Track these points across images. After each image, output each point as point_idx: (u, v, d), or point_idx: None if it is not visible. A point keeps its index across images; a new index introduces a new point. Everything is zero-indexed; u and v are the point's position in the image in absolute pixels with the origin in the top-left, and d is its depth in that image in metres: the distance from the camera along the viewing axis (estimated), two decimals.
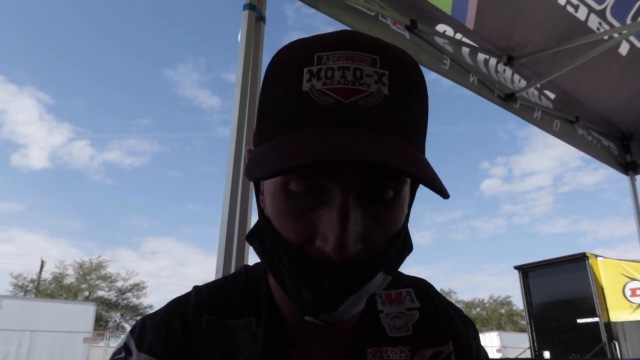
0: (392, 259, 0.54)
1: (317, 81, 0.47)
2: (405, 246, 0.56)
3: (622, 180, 3.98)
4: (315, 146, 0.44)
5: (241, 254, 1.51)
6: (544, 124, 3.26)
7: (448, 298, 0.75)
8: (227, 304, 0.63)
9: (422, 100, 0.53)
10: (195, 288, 0.67)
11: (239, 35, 1.72)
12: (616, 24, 2.78)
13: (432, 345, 0.66)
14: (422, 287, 0.72)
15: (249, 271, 0.68)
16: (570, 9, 2.65)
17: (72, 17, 48.98)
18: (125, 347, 0.60)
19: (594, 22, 2.74)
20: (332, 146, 0.43)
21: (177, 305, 0.63)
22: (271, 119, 0.51)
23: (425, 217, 60.19)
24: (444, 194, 0.47)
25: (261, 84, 0.55)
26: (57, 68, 48.28)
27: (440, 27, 2.65)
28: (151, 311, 0.66)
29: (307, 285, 0.50)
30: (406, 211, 0.54)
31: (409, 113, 0.50)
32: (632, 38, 2.93)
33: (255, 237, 0.56)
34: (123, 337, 0.62)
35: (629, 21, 2.77)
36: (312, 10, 1.99)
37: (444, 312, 0.70)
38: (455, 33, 2.70)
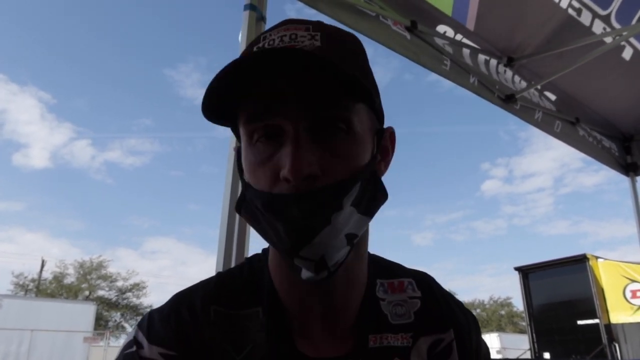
0: (365, 198, 0.58)
1: (262, 47, 0.57)
2: (378, 190, 0.60)
3: (623, 181, 3.98)
4: (245, 59, 0.52)
5: (241, 254, 1.51)
6: (545, 125, 3.25)
7: None
8: (233, 295, 0.64)
9: (355, 49, 0.62)
10: (203, 281, 0.68)
11: (240, 36, 1.72)
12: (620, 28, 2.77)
13: (434, 332, 0.67)
14: (423, 279, 0.74)
15: (252, 262, 0.70)
16: (571, 12, 2.65)
17: (74, 17, 49.06)
18: (135, 341, 0.60)
19: (598, 27, 2.73)
20: (261, 53, 0.52)
21: (184, 297, 0.64)
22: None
23: (425, 217, 60.24)
24: (368, 91, 0.54)
25: None
26: (58, 68, 48.38)
27: (441, 28, 2.65)
28: None
29: (280, 219, 0.53)
30: (368, 153, 0.59)
31: (341, 53, 0.57)
32: (635, 42, 2.93)
33: (242, 205, 0.60)
34: (130, 331, 0.63)
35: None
36: (314, 11, 1.99)
37: (445, 303, 0.72)
38: (455, 34, 2.70)
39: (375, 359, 0.62)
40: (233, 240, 1.52)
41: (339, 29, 0.62)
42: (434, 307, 0.70)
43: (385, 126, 0.66)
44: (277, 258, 0.64)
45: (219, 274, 0.69)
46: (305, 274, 0.54)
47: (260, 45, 0.58)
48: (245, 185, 0.59)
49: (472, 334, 0.72)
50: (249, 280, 0.66)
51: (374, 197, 0.60)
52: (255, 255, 0.71)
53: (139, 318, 0.65)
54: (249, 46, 0.60)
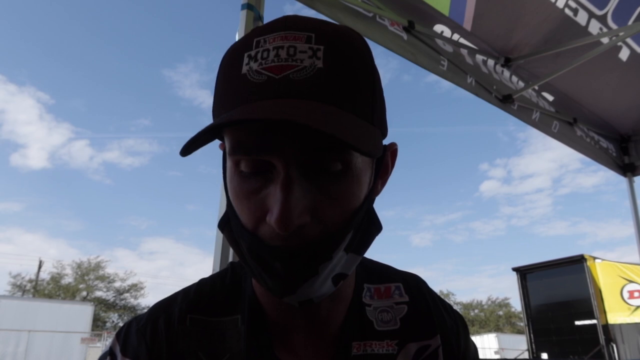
0: (358, 238, 0.54)
1: (254, 63, 0.49)
2: (371, 225, 0.56)
3: (621, 182, 3.98)
4: (238, 113, 0.45)
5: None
6: (543, 126, 3.26)
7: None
8: (213, 302, 0.63)
9: (362, 70, 0.52)
10: (184, 289, 0.67)
11: (237, 36, 1.72)
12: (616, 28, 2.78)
13: (420, 339, 0.65)
14: (412, 282, 0.72)
15: (235, 268, 0.68)
16: (568, 12, 2.65)
17: (72, 18, 49.00)
18: (110, 352, 0.60)
19: (594, 27, 2.74)
20: (253, 110, 0.45)
21: (163, 306, 0.64)
22: (216, 104, 0.53)
23: (424, 218, 60.28)
24: (367, 153, 0.45)
25: None
26: (57, 68, 48.32)
27: (438, 28, 2.65)
28: None
29: (264, 270, 0.50)
30: (365, 188, 0.54)
31: (346, 82, 0.50)
32: (632, 43, 2.93)
33: (225, 225, 0.57)
34: (109, 340, 0.63)
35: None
36: (314, 11, 1.99)
37: (434, 306, 0.70)
38: (452, 34, 2.70)
39: None
40: None
41: (344, 36, 0.53)
42: (422, 312, 0.68)
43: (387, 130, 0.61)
44: None
45: (200, 281, 0.68)
46: (287, 300, 0.53)
47: (252, 54, 0.50)
48: (230, 208, 0.54)
49: (460, 337, 0.71)
50: (230, 287, 0.65)
51: (368, 232, 0.56)
52: (239, 262, 0.68)
53: (126, 321, 0.64)
54: (240, 51, 0.52)
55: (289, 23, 0.51)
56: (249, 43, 0.51)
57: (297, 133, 0.47)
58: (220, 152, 0.60)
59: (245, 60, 0.50)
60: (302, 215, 0.48)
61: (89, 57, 49.74)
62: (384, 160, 0.60)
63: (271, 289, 0.52)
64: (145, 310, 0.65)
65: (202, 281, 0.67)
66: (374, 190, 0.58)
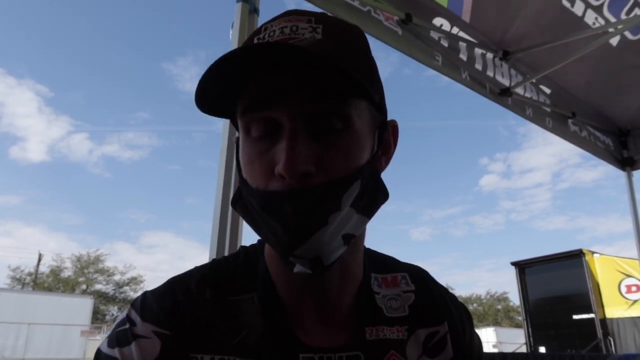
0: (365, 200, 0.56)
1: (262, 39, 0.56)
2: (378, 189, 0.59)
3: (620, 177, 3.96)
4: (239, 51, 0.50)
5: (234, 248, 1.50)
6: (537, 120, 3.26)
7: None
8: (228, 281, 0.64)
9: (360, 45, 0.59)
10: (197, 267, 0.67)
11: (231, 28, 1.71)
12: (612, 19, 2.77)
13: (428, 325, 0.68)
14: (417, 273, 0.74)
15: (248, 251, 0.69)
16: (565, 3, 2.64)
17: (71, 10, 48.83)
18: (128, 319, 0.60)
19: (590, 17, 2.73)
20: (258, 47, 0.50)
21: (180, 281, 0.64)
22: None
23: (423, 212, 60.37)
24: (369, 95, 0.53)
25: None
26: (56, 61, 48.22)
27: (437, 21, 2.63)
28: None
29: (276, 219, 0.52)
30: (367, 150, 0.57)
31: (341, 50, 0.55)
32: (628, 34, 2.92)
33: (238, 201, 0.59)
34: (124, 310, 0.62)
35: (623, 16, 2.76)
36: (309, 5, 1.98)
37: (439, 295, 0.73)
38: (451, 27, 2.69)
39: (372, 351, 0.62)
40: (226, 234, 1.51)
41: (342, 21, 0.60)
42: (428, 300, 0.70)
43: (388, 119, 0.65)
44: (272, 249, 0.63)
45: (214, 260, 0.68)
46: (298, 268, 0.54)
47: (261, 36, 0.57)
48: (242, 181, 0.58)
49: (466, 327, 0.73)
50: (244, 267, 0.66)
51: (374, 196, 0.58)
52: (252, 245, 0.70)
53: (140, 293, 0.64)
54: (250, 37, 0.59)
55: (293, 11, 0.59)
56: (258, 30, 0.58)
57: (299, 90, 0.52)
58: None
59: (255, 40, 0.57)
60: (307, 163, 0.51)
61: (88, 50, 49.65)
62: (385, 133, 0.63)
63: (283, 241, 0.53)
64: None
65: (216, 260, 0.68)
66: (379, 162, 0.62)
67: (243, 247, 0.71)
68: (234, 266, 0.66)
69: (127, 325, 0.59)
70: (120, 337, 0.58)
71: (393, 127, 0.65)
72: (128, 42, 52.17)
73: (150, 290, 0.63)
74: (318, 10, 1.96)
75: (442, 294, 0.73)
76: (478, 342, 0.75)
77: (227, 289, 0.63)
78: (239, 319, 0.60)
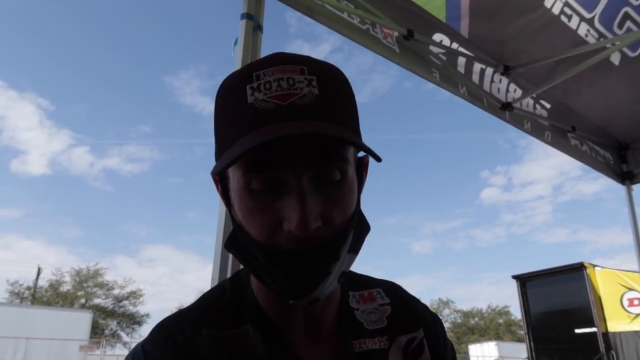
0: (354, 239, 0.61)
1: (259, 93, 0.56)
2: (362, 226, 0.64)
3: (621, 189, 3.96)
4: (259, 136, 0.52)
5: (237, 262, 1.50)
6: (536, 133, 3.28)
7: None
8: (221, 317, 0.66)
9: (348, 96, 0.62)
10: (187, 306, 0.69)
11: (236, 46, 1.73)
12: (604, 31, 2.79)
13: (406, 332, 0.74)
14: (390, 287, 0.81)
15: (234, 281, 0.72)
16: (564, 18, 2.67)
17: (74, 24, 49.21)
18: None
19: (582, 29, 2.76)
20: (273, 132, 0.52)
21: (173, 324, 0.65)
22: (225, 133, 0.59)
23: (424, 226, 60.22)
24: (367, 150, 0.56)
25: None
26: (58, 74, 48.47)
27: (437, 37, 2.66)
28: (148, 319, 0.67)
29: (283, 274, 0.56)
30: (356, 193, 0.62)
31: (338, 105, 0.58)
32: (626, 50, 2.95)
33: (233, 244, 0.63)
34: None
35: (615, 28, 2.79)
36: (312, 20, 2.01)
37: (413, 305, 0.79)
38: (451, 42, 2.72)
39: None
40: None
41: (327, 66, 0.62)
42: (404, 311, 0.76)
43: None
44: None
45: (201, 297, 0.70)
46: (293, 300, 0.58)
47: (254, 85, 0.56)
48: (238, 227, 0.60)
49: (439, 332, 0.78)
50: (233, 300, 0.68)
51: (360, 233, 0.63)
52: (236, 275, 0.73)
53: (135, 326, 0.64)
54: (241, 84, 0.58)
55: (282, 58, 0.59)
56: (249, 77, 0.57)
57: (309, 147, 0.54)
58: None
59: (249, 92, 0.56)
60: (316, 219, 0.55)
61: (90, 64, 49.95)
62: (363, 174, 0.68)
63: (288, 291, 0.57)
64: (148, 319, 0.66)
65: (204, 297, 0.70)
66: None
67: (229, 279, 0.73)
68: (223, 300, 0.68)
69: None
70: None
71: (366, 164, 0.68)
72: (130, 56, 52.58)
73: (145, 341, 0.64)
74: (320, 26, 2.00)
75: (415, 303, 0.80)
76: (451, 349, 0.80)
77: (222, 325, 0.64)
78: (242, 352, 0.62)
